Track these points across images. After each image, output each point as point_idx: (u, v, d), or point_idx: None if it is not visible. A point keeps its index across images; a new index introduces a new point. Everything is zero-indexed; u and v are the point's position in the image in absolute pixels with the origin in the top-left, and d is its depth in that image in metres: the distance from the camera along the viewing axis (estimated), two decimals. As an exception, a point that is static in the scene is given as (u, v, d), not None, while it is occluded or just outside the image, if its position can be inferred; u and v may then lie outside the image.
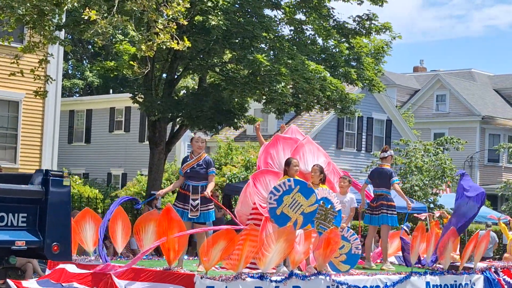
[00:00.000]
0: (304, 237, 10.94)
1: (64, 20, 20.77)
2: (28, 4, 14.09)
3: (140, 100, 22.33)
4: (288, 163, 11.70)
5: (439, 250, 13.44)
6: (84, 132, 41.84)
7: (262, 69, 19.88)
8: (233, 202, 24.08)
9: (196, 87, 25.18)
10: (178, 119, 22.93)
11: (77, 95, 52.23)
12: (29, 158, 25.41)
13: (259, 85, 20.82)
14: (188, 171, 11.44)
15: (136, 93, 23.00)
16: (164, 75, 23.11)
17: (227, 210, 15.85)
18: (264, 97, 21.85)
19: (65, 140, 40.78)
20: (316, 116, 34.77)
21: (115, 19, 12.96)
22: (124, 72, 22.54)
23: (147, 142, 23.35)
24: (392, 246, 14.63)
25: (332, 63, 22.52)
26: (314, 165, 12.31)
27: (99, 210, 24.09)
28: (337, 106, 22.73)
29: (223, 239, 10.15)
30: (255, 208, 11.70)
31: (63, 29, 21.06)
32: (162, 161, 22.96)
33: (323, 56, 22.65)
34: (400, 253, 14.42)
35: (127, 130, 39.85)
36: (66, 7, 15.18)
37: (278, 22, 22.19)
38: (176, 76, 22.91)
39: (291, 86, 21.40)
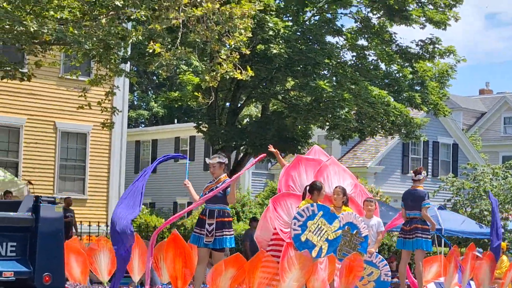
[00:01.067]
0: (327, 263, 10.70)
1: (129, 52, 21.18)
2: (94, 39, 14.41)
3: (204, 129, 22.55)
4: (317, 188, 11.11)
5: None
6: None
7: (325, 95, 19.91)
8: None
9: (259, 115, 25.31)
10: (242, 148, 23.06)
11: (143, 125, 52.96)
12: (97, 189, 25.86)
13: (322, 111, 20.83)
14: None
15: (200, 122, 23.24)
16: (228, 104, 23.32)
17: None
18: (327, 123, 21.85)
19: (132, 170, 41.34)
20: (380, 141, 34.53)
21: (179, 51, 13.18)
22: (188, 103, 22.82)
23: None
24: (430, 272, 13.89)
25: (396, 87, 22.42)
26: (336, 187, 11.77)
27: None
28: (402, 131, 22.56)
29: (232, 267, 10.01)
30: (275, 233, 11.09)
31: (129, 62, 21.48)
32: (227, 190, 23.06)
33: (386, 81, 22.57)
34: (441, 279, 13.79)
35: (192, 159, 40.19)
36: (131, 40, 15.49)
37: (340, 49, 22.21)
38: (239, 105, 23.09)
39: (354, 111, 21.36)
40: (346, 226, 11.14)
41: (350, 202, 11.99)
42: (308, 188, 11.11)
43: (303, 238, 10.45)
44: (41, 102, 24.68)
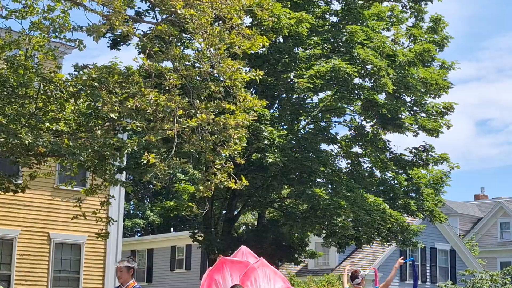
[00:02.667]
0: None
1: (125, 162, 21.24)
2: (89, 150, 14.49)
3: (200, 238, 22.39)
4: None
5: None
6: (146, 271, 41.85)
7: (322, 203, 19.88)
8: None
9: (256, 223, 25.21)
10: (238, 257, 22.84)
11: (139, 234, 52.62)
12: (91, 301, 25.42)
13: (319, 219, 20.77)
14: None
15: (195, 231, 23.10)
16: (224, 212, 23.26)
17: None
18: (324, 231, 21.73)
19: (127, 280, 40.78)
20: (377, 248, 34.30)
21: (174, 161, 13.21)
22: (183, 213, 22.80)
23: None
24: None
25: (391, 194, 22.44)
26: None
27: None
28: (399, 238, 22.45)
29: None
30: None
31: (124, 172, 21.51)
32: (224, 300, 22.71)
33: (382, 188, 22.61)
34: None
35: (188, 268, 39.74)
36: (126, 151, 15.57)
37: (335, 156, 22.35)
38: (235, 213, 23.02)
39: (351, 219, 21.30)
40: None
41: None
42: None
43: None
44: (35, 213, 24.55)
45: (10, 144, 13.28)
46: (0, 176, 15.79)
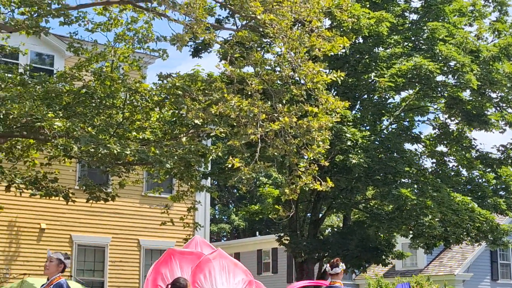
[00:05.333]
0: None
1: (209, 168, 21.53)
2: (175, 158, 14.75)
3: (286, 241, 22.47)
4: (180, 286, 8.79)
5: None
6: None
7: (408, 203, 19.69)
8: None
9: (341, 225, 25.16)
10: (324, 259, 22.83)
11: (225, 238, 53.12)
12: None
13: (405, 220, 20.56)
14: None
15: (281, 234, 23.20)
16: (309, 215, 23.28)
17: None
18: (411, 231, 21.50)
19: (215, 285, 41.19)
20: (467, 247, 33.69)
21: (258, 165, 13.32)
22: (269, 216, 22.94)
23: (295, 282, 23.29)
24: None
25: (479, 193, 22.03)
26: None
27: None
28: (489, 238, 22.00)
29: None
30: None
31: (209, 177, 21.81)
32: (312, 303, 22.76)
33: (469, 187, 22.22)
34: None
35: (274, 271, 39.90)
36: (211, 157, 15.79)
37: (419, 156, 22.11)
38: (320, 216, 23.01)
39: (438, 219, 21.02)
40: None
41: None
42: (169, 287, 8.99)
43: None
44: (125, 221, 25.11)
45: (99, 154, 13.64)
46: (91, 185, 16.23)
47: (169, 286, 8.91)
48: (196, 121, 13.90)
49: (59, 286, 8.98)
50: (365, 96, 21.90)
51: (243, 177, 13.14)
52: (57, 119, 13.91)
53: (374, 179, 20.46)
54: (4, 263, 23.00)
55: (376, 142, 20.51)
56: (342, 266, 11.39)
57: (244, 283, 10.43)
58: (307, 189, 14.11)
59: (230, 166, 13.40)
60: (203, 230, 25.26)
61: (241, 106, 13.45)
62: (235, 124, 14.16)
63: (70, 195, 16.29)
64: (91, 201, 16.48)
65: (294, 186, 13.58)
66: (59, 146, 13.77)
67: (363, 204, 22.72)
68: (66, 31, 53.75)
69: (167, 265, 9.95)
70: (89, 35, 18.35)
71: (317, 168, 14.07)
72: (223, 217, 53.49)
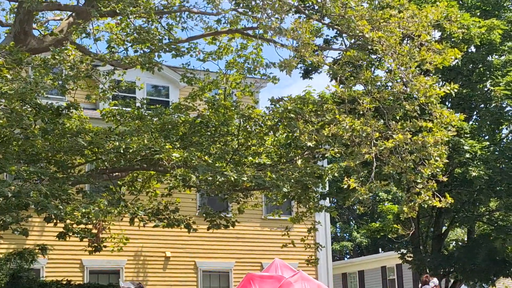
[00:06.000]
0: None
1: (327, 188, 21.51)
2: (292, 181, 14.84)
3: (409, 258, 22.15)
4: None
5: None
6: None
7: (534, 213, 19.10)
8: None
9: (466, 238, 24.59)
10: (450, 274, 22.36)
11: (348, 256, 52.78)
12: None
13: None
14: None
15: (404, 251, 22.88)
16: (431, 229, 22.87)
17: None
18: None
19: (341, 305, 41.04)
20: None
21: (374, 185, 13.23)
22: (389, 235, 22.67)
23: (423, 300, 22.90)
24: None
25: None
26: None
27: None
28: None
29: None
30: None
31: (327, 197, 21.79)
32: (441, 319, 22.32)
33: None
34: None
35: (400, 287, 39.32)
36: (327, 178, 15.79)
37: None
38: (443, 230, 22.58)
39: None
40: None
41: None
42: None
43: None
44: (247, 245, 25.40)
45: (217, 182, 13.89)
46: (211, 213, 16.54)
47: None
48: (309, 144, 13.94)
49: None
50: (482, 105, 21.40)
51: (360, 197, 13.08)
52: (175, 150, 14.27)
53: (496, 190, 19.93)
54: (134, 291, 23.65)
55: (496, 152, 19.97)
56: (433, 282, 10.66)
57: None
58: (426, 206, 13.89)
59: (346, 186, 13.35)
60: (325, 250, 25.22)
61: (353, 126, 13.42)
62: (348, 144, 14.11)
63: (192, 224, 16.64)
64: (212, 229, 16.78)
65: (412, 203, 13.40)
66: (178, 177, 14.10)
67: (487, 216, 22.13)
68: (179, 62, 55.14)
69: None
70: (201, 64, 18.77)
71: (435, 184, 13.83)
72: (345, 235, 53.19)
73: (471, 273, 21.20)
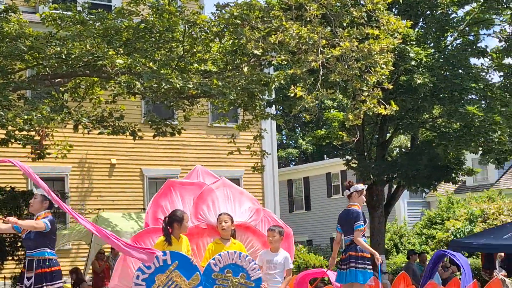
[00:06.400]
0: None
1: (273, 96, 21.49)
2: (238, 88, 14.75)
3: (354, 165, 22.42)
4: (177, 219, 8.67)
5: None
6: (304, 199, 42.56)
7: (476, 120, 19.36)
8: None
9: (409, 145, 24.95)
10: (393, 180, 22.76)
11: (293, 163, 53.36)
12: (253, 232, 26.17)
13: (474, 137, 20.25)
14: (23, 237, 8.78)
15: (349, 158, 23.15)
16: (376, 137, 23.11)
17: None
18: (480, 148, 21.21)
19: (286, 210, 41.66)
20: (539, 160, 33.07)
21: (320, 93, 13.23)
22: (334, 142, 22.84)
23: (365, 204, 23.35)
24: None
25: (550, 105, 21.51)
26: (220, 214, 9.23)
27: (326, 278, 24.15)
28: (562, 148, 21.53)
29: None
30: None
31: (274, 105, 21.79)
32: (383, 224, 22.80)
33: (539, 98, 21.68)
34: None
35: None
36: (273, 86, 15.74)
37: (486, 70, 21.59)
38: (387, 137, 22.83)
39: (508, 133, 20.64)
40: (226, 270, 8.71)
41: (250, 232, 9.80)
42: (166, 220, 8.77)
43: None
44: (193, 152, 25.42)
45: (163, 89, 13.73)
46: (156, 121, 16.41)
47: (166, 219, 8.72)
48: (256, 51, 13.81)
49: (51, 220, 8.58)
50: (428, 12, 21.34)
51: (306, 105, 13.08)
52: (118, 56, 14.00)
53: (440, 97, 20.11)
54: (79, 199, 23.62)
55: (441, 60, 20.05)
56: (355, 188, 10.62)
57: (251, 211, 9.90)
58: (371, 113, 13.96)
59: (292, 94, 13.33)
60: (271, 157, 25.40)
61: (300, 33, 13.29)
62: (295, 51, 14.02)
63: (137, 131, 16.51)
64: (158, 136, 16.69)
65: (357, 111, 13.47)
66: (122, 84, 13.89)
67: (430, 123, 22.40)
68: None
69: (167, 197, 9.53)
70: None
71: (380, 92, 13.90)
72: (291, 142, 53.63)
73: (413, 179, 21.57)
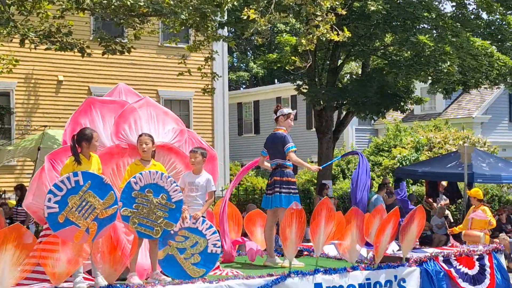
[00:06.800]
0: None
1: (226, 17, 21.21)
2: (190, 8, 14.48)
3: (305, 90, 22.43)
4: (85, 137, 8.26)
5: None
6: (253, 123, 42.64)
7: (426, 50, 19.42)
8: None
9: (360, 72, 25.01)
10: (343, 107, 22.86)
11: (244, 86, 53.28)
12: (201, 154, 26.17)
13: (424, 66, 20.35)
14: None
15: (300, 83, 23.13)
16: (327, 63, 23.08)
17: None
18: (429, 77, 21.37)
19: (235, 133, 41.75)
20: (485, 91, 33.57)
21: (273, 16, 13.06)
22: (286, 67, 22.75)
23: (314, 129, 23.47)
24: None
25: (499, 36, 21.66)
26: (141, 135, 8.85)
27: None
28: (508, 80, 21.81)
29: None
30: None
31: (226, 26, 21.54)
32: (331, 150, 22.98)
33: (488, 30, 21.82)
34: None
35: (294, 118, 40.19)
36: (226, 7, 15.48)
37: (439, 0, 21.59)
38: (339, 64, 22.83)
39: (457, 64, 20.81)
40: (147, 189, 8.41)
41: (174, 153, 9.56)
42: (75, 138, 8.32)
43: (61, 219, 7.79)
44: (143, 71, 25.14)
45: (113, 6, 13.42)
46: (106, 38, 16.07)
47: (75, 137, 8.32)
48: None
49: None
50: None
51: (259, 28, 12.92)
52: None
53: (392, 25, 20.09)
54: (24, 115, 23.28)
55: (395, -13, 19.99)
56: (281, 111, 10.57)
57: (174, 132, 9.63)
58: (324, 39, 13.87)
59: (246, 17, 13.14)
60: (221, 80, 25.27)
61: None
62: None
63: (86, 48, 16.17)
64: (107, 54, 16.38)
65: (310, 36, 13.35)
66: (71, -1, 13.54)
67: (382, 51, 22.42)
68: None
69: (86, 115, 9.14)
70: None
71: (334, 17, 13.78)
72: (242, 65, 53.41)
73: (363, 106, 21.68)
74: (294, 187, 10.28)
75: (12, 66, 18.10)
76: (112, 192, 8.06)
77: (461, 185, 21.45)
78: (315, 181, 26.14)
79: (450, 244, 17.37)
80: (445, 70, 19.81)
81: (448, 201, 22.10)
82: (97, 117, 9.16)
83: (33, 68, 23.16)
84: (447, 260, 10.06)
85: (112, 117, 9.23)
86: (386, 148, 33.69)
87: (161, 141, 9.37)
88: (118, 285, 7.94)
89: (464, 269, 10.12)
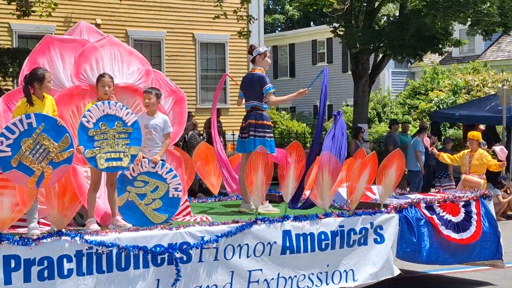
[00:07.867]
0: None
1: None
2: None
3: (341, 33, 22.30)
4: (37, 77, 7.82)
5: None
6: (288, 66, 42.54)
7: (467, -10, 19.17)
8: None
9: (397, 14, 24.74)
10: (380, 49, 22.70)
11: (279, 29, 52.99)
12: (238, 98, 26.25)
13: (463, 7, 20.07)
14: None
15: (336, 25, 22.97)
16: (364, 4, 22.86)
17: None
18: (469, 19, 21.08)
19: (271, 76, 41.72)
20: (526, 33, 32.99)
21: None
22: (323, 9, 22.53)
23: (350, 73, 23.39)
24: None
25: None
26: (102, 76, 8.26)
27: (307, 145, 24.51)
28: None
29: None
30: None
31: (262, -32, 21.42)
32: (367, 93, 22.92)
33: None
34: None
35: (329, 61, 40.02)
36: None
37: None
38: (376, 5, 22.60)
39: (497, 5, 20.48)
40: (101, 123, 7.97)
41: (138, 95, 8.96)
42: (27, 78, 7.90)
43: (14, 163, 7.41)
44: (179, 15, 25.11)
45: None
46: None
47: (26, 77, 7.88)
48: None
49: None
50: None
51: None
52: None
53: (432, -34, 19.83)
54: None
55: None
56: (257, 51, 9.86)
57: (139, 73, 9.03)
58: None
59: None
60: (257, 22, 25.17)
61: None
62: None
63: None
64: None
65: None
66: None
67: (420, -8, 22.16)
68: None
69: (45, 54, 8.60)
70: None
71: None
72: (277, 8, 53.04)
73: (399, 48, 21.49)
74: (269, 130, 9.83)
75: (51, 10, 18.20)
76: (67, 134, 7.62)
77: (499, 128, 21.29)
78: (351, 124, 26.16)
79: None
80: (485, 11, 19.54)
81: (486, 145, 21.93)
82: (56, 57, 8.64)
83: (71, 11, 23.27)
84: (429, 207, 9.54)
85: (72, 57, 8.68)
86: (423, 91, 33.49)
87: (125, 82, 8.87)
88: (68, 231, 7.52)
89: (448, 216, 9.62)
